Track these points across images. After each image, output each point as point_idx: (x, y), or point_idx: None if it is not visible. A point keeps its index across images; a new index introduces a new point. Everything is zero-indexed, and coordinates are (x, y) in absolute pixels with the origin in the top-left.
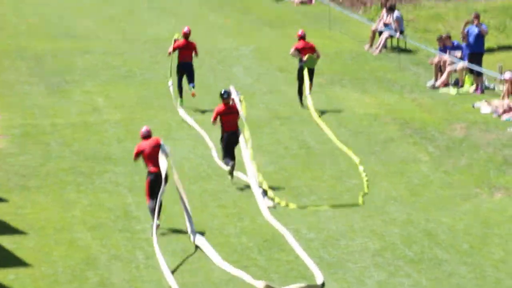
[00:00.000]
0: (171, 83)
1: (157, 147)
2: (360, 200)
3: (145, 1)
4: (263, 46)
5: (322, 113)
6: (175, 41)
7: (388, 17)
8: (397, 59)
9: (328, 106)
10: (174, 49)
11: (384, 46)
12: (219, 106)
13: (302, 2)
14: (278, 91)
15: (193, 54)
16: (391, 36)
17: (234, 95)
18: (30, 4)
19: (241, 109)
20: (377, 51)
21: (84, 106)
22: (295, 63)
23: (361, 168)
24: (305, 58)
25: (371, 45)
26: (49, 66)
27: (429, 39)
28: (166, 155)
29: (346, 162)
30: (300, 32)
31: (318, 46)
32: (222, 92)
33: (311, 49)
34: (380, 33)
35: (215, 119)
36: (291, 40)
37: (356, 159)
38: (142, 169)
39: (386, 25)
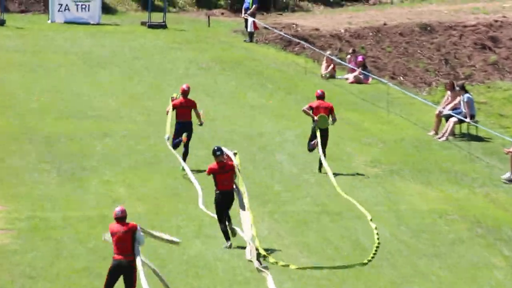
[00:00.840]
0: (168, 137)
1: (128, 232)
2: None
3: (174, 78)
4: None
5: (377, 207)
6: (172, 99)
7: (457, 100)
8: (467, 148)
9: (386, 200)
10: (173, 108)
11: (452, 133)
12: (213, 164)
13: (356, 81)
14: (328, 183)
15: (192, 113)
16: (460, 121)
17: (227, 151)
18: (41, 79)
19: (237, 164)
20: (444, 138)
21: (102, 198)
22: (348, 150)
23: None
24: (316, 117)
25: (436, 132)
26: (62, 150)
27: (504, 125)
28: (139, 244)
29: (408, 265)
30: (319, 91)
31: (375, 132)
32: (215, 149)
33: (325, 110)
34: (447, 117)
35: (208, 174)
36: (343, 125)
37: None
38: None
39: (454, 108)
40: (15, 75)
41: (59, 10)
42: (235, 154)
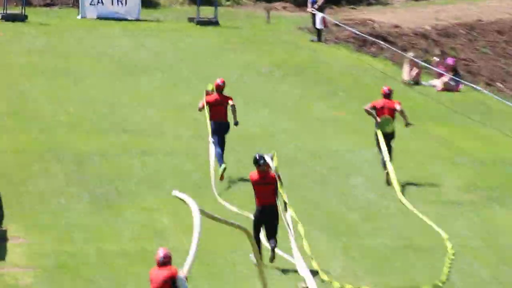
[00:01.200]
0: (213, 140)
1: (167, 282)
2: None
3: (227, 85)
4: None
5: (472, 242)
6: (207, 93)
7: None
8: None
9: (483, 231)
10: (205, 104)
11: None
12: (253, 173)
13: (445, 89)
14: (409, 213)
15: (228, 110)
16: None
17: (268, 159)
18: (70, 87)
19: (275, 167)
20: None
21: (142, 229)
22: (437, 172)
23: None
24: (379, 119)
25: None
26: (94, 171)
27: None
28: None
29: None
30: (386, 88)
31: (468, 150)
32: (257, 157)
33: (390, 110)
34: None
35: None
36: (430, 141)
37: None
38: None
39: None
40: (39, 82)
41: (91, 4)
42: (272, 157)
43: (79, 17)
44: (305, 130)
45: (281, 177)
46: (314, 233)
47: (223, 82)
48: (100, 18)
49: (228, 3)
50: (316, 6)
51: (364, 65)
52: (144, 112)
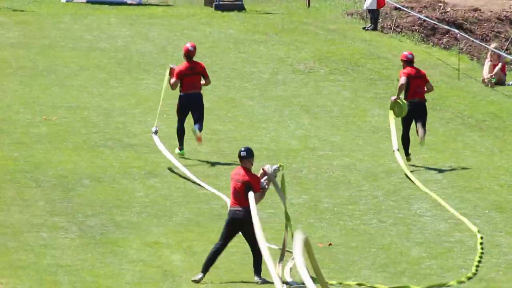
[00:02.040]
0: (155, 130)
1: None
2: None
3: (256, 86)
4: (471, 164)
5: None
6: (171, 70)
7: None
8: None
9: None
10: (176, 79)
11: None
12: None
13: None
14: (492, 248)
15: (202, 81)
16: None
17: (269, 169)
18: (52, 89)
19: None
20: None
21: (148, 269)
22: None
23: None
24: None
25: None
26: (85, 197)
27: None
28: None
29: None
30: (407, 53)
31: None
32: (242, 149)
33: (422, 80)
34: None
35: None
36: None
37: None
38: None
39: None
40: (12, 83)
41: None
42: (278, 168)
43: (64, 0)
44: (356, 143)
45: (284, 201)
46: (366, 273)
47: (194, 48)
48: (90, 1)
49: None
50: None
51: (433, 60)
52: (148, 121)
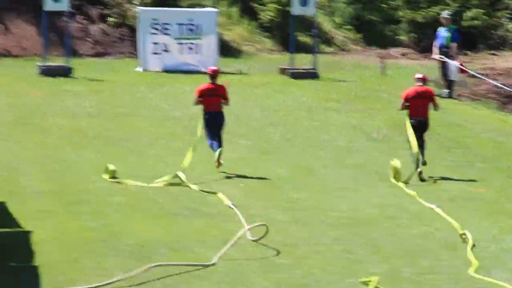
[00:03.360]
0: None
1: None
2: None
3: (330, 154)
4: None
5: None
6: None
7: None
8: None
9: None
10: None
11: None
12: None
13: None
14: None
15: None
16: None
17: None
18: (129, 160)
19: None
20: None
21: None
22: None
23: None
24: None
25: None
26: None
27: None
28: None
29: None
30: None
31: None
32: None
33: (425, 101)
34: None
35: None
36: None
37: None
38: None
39: None
40: (87, 152)
41: (154, 53)
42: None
43: (139, 69)
44: (434, 212)
45: None
46: None
47: (218, 70)
48: (166, 70)
49: (330, 49)
50: (446, 51)
51: (508, 128)
52: (226, 190)
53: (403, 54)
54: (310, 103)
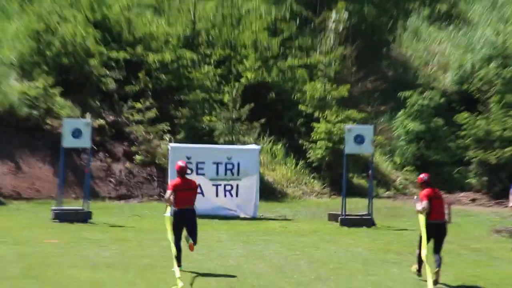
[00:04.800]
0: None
1: None
2: None
3: None
4: None
5: None
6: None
7: None
8: None
9: None
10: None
11: None
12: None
13: None
14: None
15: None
16: None
17: None
18: None
19: None
20: None
21: None
22: None
23: None
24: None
25: None
26: None
27: None
28: None
29: None
30: (423, 176)
31: None
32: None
33: (442, 202)
34: None
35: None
36: None
37: None
38: None
39: None
40: None
41: None
42: None
43: (167, 214)
44: None
45: None
46: None
47: (185, 164)
48: (199, 215)
49: (389, 193)
50: None
51: None
52: None
53: (473, 200)
54: (365, 254)
